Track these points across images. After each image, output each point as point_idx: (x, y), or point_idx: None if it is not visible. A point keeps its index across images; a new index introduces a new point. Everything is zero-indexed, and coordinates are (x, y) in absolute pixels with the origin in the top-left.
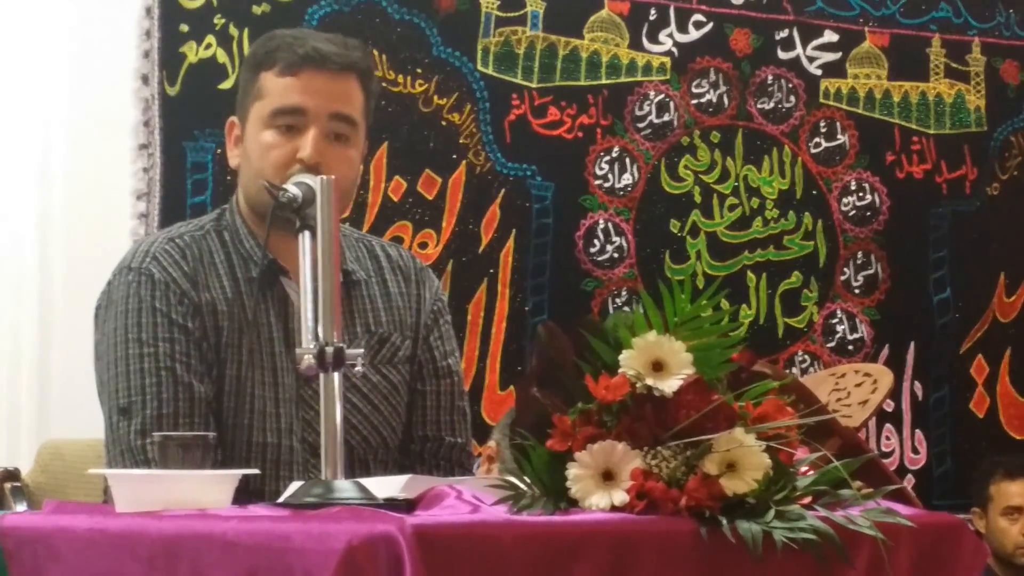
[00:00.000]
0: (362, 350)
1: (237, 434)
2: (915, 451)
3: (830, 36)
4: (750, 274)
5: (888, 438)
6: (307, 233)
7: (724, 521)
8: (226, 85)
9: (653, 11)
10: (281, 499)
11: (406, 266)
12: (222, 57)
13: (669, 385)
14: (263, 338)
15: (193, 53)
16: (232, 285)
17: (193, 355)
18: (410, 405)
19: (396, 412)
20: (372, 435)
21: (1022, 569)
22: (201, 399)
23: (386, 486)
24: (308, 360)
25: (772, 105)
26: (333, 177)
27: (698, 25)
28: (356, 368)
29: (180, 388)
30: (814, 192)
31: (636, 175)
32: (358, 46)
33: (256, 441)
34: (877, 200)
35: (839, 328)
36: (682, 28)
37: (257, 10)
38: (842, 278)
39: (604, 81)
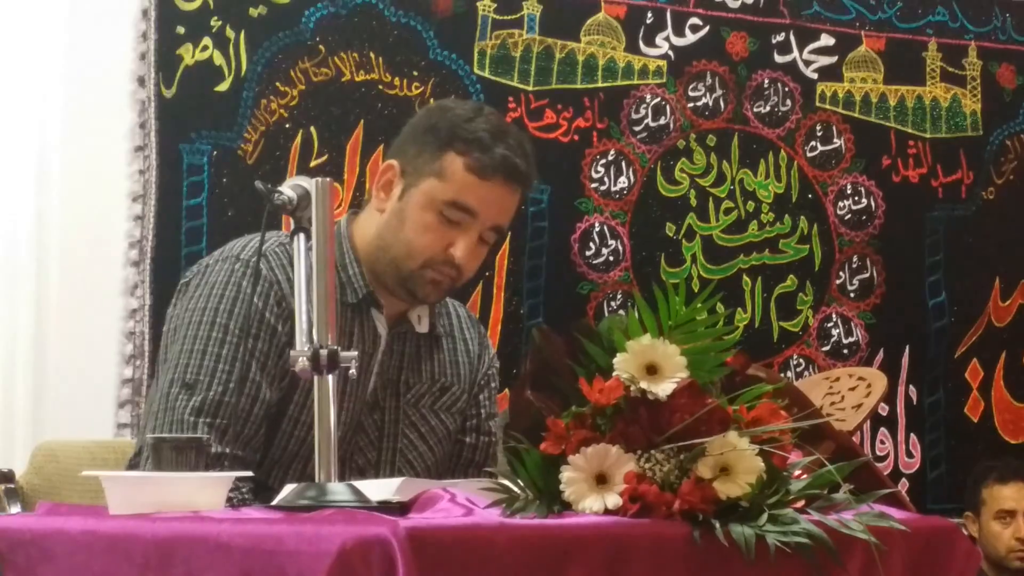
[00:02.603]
0: (355, 352)
1: (291, 444)
2: (909, 455)
3: (826, 40)
4: (745, 278)
5: (882, 442)
6: (302, 235)
7: (717, 525)
8: (223, 87)
9: (649, 14)
10: (275, 501)
11: (473, 328)
12: (219, 59)
13: (663, 389)
14: None
15: (189, 55)
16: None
17: (272, 357)
18: (449, 452)
19: (445, 456)
20: (423, 474)
21: (1015, 573)
22: (263, 401)
23: (380, 489)
24: (302, 363)
25: (768, 109)
26: (329, 180)
27: (694, 28)
28: (351, 371)
29: (249, 384)
30: (810, 196)
31: (632, 178)
32: (530, 150)
33: (303, 455)
34: (873, 204)
35: (834, 332)
36: (678, 31)
37: (254, 12)
38: (837, 282)
39: (600, 84)
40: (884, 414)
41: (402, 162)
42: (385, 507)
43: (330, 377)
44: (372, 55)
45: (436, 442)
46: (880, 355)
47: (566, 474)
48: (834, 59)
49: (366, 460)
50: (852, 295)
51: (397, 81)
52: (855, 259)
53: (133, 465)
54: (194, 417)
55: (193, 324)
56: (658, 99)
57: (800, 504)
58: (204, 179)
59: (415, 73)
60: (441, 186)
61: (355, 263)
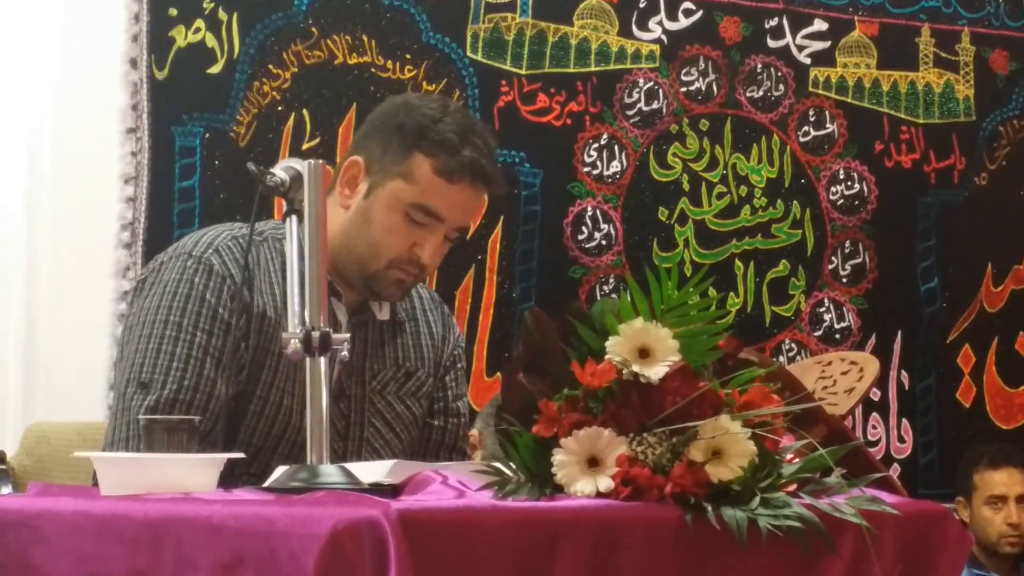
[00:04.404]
0: (347, 335)
1: (256, 437)
2: (901, 440)
3: (820, 25)
4: (738, 262)
5: (874, 427)
6: (294, 217)
7: (709, 508)
8: (215, 69)
9: None
10: (266, 483)
11: (436, 310)
12: (211, 41)
13: (655, 372)
14: None
15: (182, 37)
16: (281, 295)
17: (227, 352)
18: (418, 437)
19: (413, 442)
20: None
21: (1006, 558)
22: (219, 397)
23: (371, 471)
24: (294, 344)
25: (761, 93)
26: (321, 162)
27: (688, 13)
28: (342, 354)
29: (203, 381)
30: (802, 181)
31: (625, 163)
32: (495, 147)
33: (268, 447)
34: (865, 189)
35: (826, 317)
36: (672, 16)
37: None
38: (830, 267)
39: (593, 68)
40: (876, 399)
41: (367, 159)
42: (377, 489)
43: (322, 359)
44: (365, 38)
45: (403, 428)
46: (872, 340)
47: (558, 457)
48: (827, 44)
49: (332, 451)
50: (844, 280)
51: (390, 64)
52: (847, 244)
53: None
54: (147, 416)
55: (147, 323)
56: (651, 83)
57: (792, 488)
58: (196, 161)
59: (408, 56)
60: (408, 188)
61: None
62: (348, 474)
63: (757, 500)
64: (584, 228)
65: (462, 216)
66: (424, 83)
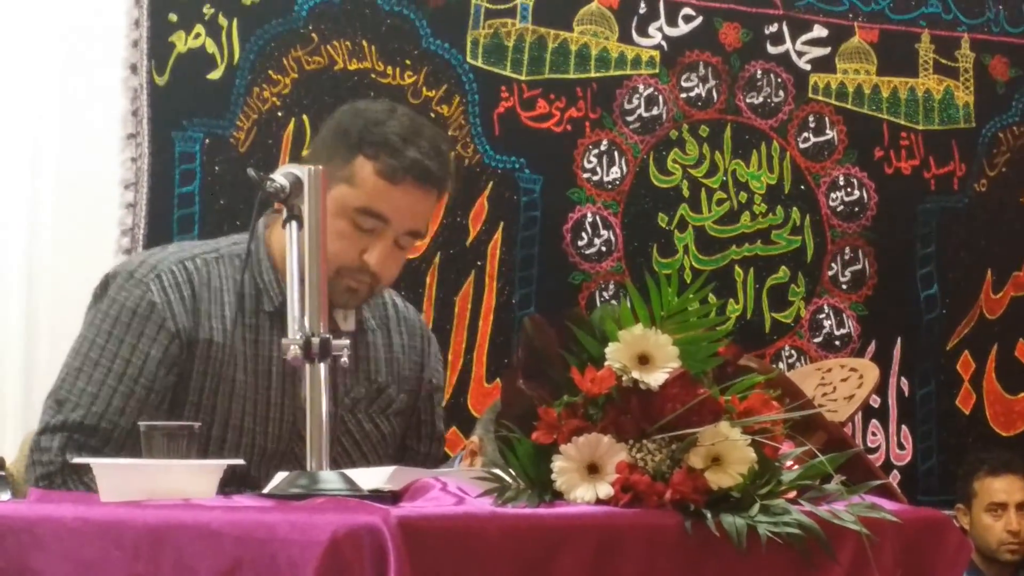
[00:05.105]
0: (347, 341)
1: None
2: (901, 447)
3: (819, 31)
4: (737, 268)
5: (874, 434)
6: (294, 223)
7: (709, 515)
8: (215, 75)
9: (643, 4)
10: (266, 489)
11: (411, 321)
12: (211, 47)
13: (655, 378)
14: (259, 371)
15: (182, 43)
16: (232, 317)
17: (142, 382)
18: (396, 458)
19: (382, 462)
20: None
21: (1006, 565)
22: (123, 429)
23: (371, 477)
24: (294, 351)
25: (761, 99)
26: (321, 168)
27: (687, 19)
28: (342, 360)
29: (110, 410)
30: (802, 187)
31: (624, 169)
32: (445, 150)
33: (239, 470)
34: (865, 195)
35: (826, 323)
36: (671, 22)
37: (247, 0)
38: (829, 273)
39: (593, 74)
40: (876, 406)
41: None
42: (376, 496)
43: (322, 365)
44: (365, 44)
45: (370, 448)
46: (872, 347)
47: (558, 463)
48: (827, 50)
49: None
50: (844, 287)
51: (390, 70)
52: (847, 251)
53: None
54: (50, 433)
55: (80, 339)
56: (651, 89)
57: (792, 495)
58: (196, 167)
59: (408, 62)
60: (352, 192)
61: (271, 270)
62: (348, 480)
63: (757, 507)
64: (584, 234)
65: (410, 219)
66: (424, 89)
